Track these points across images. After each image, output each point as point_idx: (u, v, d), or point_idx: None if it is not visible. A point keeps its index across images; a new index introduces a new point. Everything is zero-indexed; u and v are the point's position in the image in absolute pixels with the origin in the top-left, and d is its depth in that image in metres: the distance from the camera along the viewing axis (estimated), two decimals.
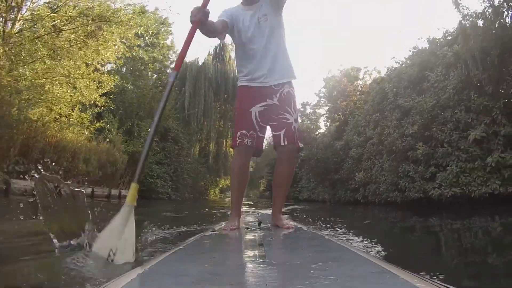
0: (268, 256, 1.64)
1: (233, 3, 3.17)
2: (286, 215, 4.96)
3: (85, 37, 12.32)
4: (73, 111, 13.03)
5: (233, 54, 37.42)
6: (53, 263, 2.26)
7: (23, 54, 11.40)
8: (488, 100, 10.30)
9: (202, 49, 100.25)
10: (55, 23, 11.96)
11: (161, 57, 29.66)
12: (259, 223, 3.27)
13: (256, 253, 1.73)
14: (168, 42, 31.38)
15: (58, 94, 11.89)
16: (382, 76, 21.11)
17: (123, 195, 14.49)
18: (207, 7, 2.65)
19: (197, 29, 2.65)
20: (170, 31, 30.90)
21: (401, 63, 16.49)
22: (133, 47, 15.72)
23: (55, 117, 12.07)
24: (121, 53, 14.16)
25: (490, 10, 9.92)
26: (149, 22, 16.01)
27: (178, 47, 32.63)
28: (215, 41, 38.07)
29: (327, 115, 33.80)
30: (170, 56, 31.57)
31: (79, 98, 12.75)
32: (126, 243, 2.07)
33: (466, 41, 10.48)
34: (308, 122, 36.34)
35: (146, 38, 24.51)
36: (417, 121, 12.28)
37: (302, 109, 36.20)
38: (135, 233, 2.15)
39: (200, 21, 2.59)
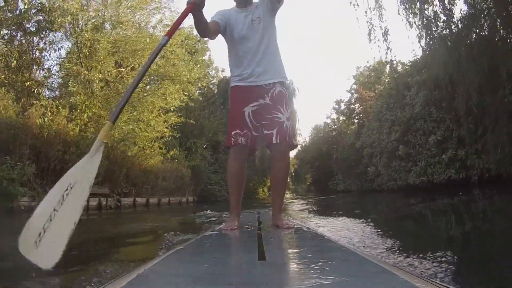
0: (268, 256, 1.64)
1: (227, 2, 3.24)
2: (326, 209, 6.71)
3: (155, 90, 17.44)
4: (153, 145, 17.98)
5: None
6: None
7: (113, 107, 15.16)
8: (443, 113, 14.69)
9: None
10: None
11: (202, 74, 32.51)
12: (259, 223, 3.24)
13: (256, 253, 1.69)
14: (206, 58, 32.91)
15: (140, 134, 17.01)
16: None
17: (189, 201, 20.07)
18: None
19: (191, 13, 2.60)
20: (207, 47, 31.87)
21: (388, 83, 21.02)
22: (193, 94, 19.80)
23: (140, 150, 16.94)
24: (184, 101, 18.62)
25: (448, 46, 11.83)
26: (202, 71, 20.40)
27: (217, 63, 36.23)
28: None
29: (358, 110, 35.99)
30: (210, 72, 34.12)
31: (153, 134, 17.83)
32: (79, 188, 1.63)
33: (428, 69, 13.77)
34: (344, 118, 39.20)
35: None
36: (398, 130, 17.33)
37: (337, 106, 39.64)
38: (95, 171, 1.73)
39: (195, 4, 2.55)
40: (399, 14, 12.26)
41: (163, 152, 18.97)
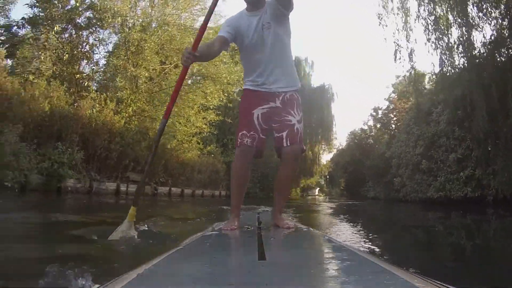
0: (268, 256, 1.64)
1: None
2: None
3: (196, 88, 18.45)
4: (191, 140, 19.03)
5: (308, 69, 40.70)
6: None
7: (156, 102, 16.84)
8: (464, 132, 14.97)
9: None
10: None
11: (241, 76, 33.91)
12: (259, 223, 3.18)
13: (256, 253, 1.69)
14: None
15: (180, 128, 18.07)
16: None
17: (222, 195, 21.03)
18: (198, 48, 2.81)
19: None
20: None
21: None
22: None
23: (179, 144, 18.02)
24: (223, 101, 19.43)
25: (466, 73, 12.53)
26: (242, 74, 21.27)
27: None
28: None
29: (395, 118, 35.71)
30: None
31: (192, 129, 18.86)
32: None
33: (450, 91, 14.13)
34: (379, 125, 39.14)
35: None
36: (423, 144, 17.60)
37: (374, 113, 39.77)
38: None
39: (189, 62, 2.77)
40: (428, 40, 12.71)
41: (200, 147, 19.94)
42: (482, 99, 11.59)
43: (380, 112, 39.22)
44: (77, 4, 15.51)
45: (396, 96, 35.73)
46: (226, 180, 21.81)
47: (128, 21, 15.41)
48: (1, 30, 17.34)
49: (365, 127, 42.04)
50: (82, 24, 15.91)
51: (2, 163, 8.52)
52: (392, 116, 34.80)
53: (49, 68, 13.10)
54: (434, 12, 12.57)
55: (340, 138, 66.12)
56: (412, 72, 14.09)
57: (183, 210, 9.88)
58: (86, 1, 15.86)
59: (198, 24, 18.03)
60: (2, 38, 17.07)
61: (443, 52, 12.65)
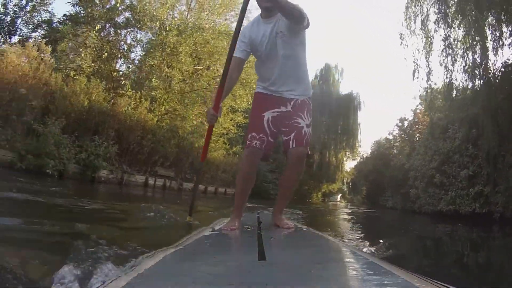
0: (268, 256, 1.65)
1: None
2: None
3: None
4: (218, 140, 19.70)
5: (337, 76, 41.60)
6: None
7: (187, 101, 17.48)
8: (477, 150, 15.31)
9: (309, 71, 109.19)
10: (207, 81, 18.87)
11: None
12: (259, 223, 3.23)
13: (256, 253, 1.71)
14: None
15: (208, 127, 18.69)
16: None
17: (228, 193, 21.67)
18: (220, 105, 2.98)
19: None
20: None
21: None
22: None
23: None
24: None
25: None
26: None
27: None
28: (321, 65, 42.45)
29: (418, 131, 35.35)
30: None
31: (220, 130, 19.54)
32: None
33: (465, 110, 14.85)
34: (405, 136, 39.32)
35: None
36: (437, 159, 17.88)
37: (400, 124, 39.81)
38: None
39: (214, 121, 3.06)
40: (441, 64, 13.18)
41: (226, 148, 20.60)
42: (491, 122, 12.05)
43: (406, 123, 39.17)
44: (117, 5, 16.37)
45: (422, 108, 35.81)
46: None
47: (165, 24, 16.15)
48: (44, 24, 18.41)
49: (390, 137, 41.98)
50: (121, 24, 16.74)
51: (44, 152, 9.35)
52: (415, 128, 34.83)
53: (90, 66, 13.95)
54: (449, 36, 13.02)
55: (365, 146, 66.14)
56: (429, 91, 14.55)
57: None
58: (126, 1, 16.69)
59: (231, 28, 18.77)
60: (43, 32, 18.09)
61: (462, 70, 13.13)
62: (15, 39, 17.07)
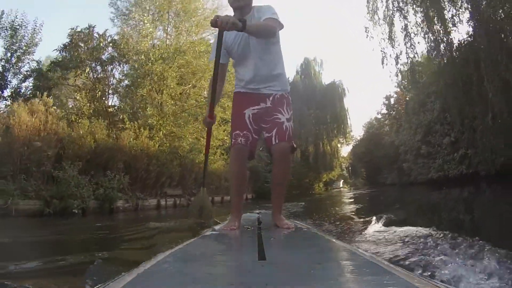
0: (268, 256, 1.66)
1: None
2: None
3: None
4: (215, 152, 20.83)
5: (317, 68, 42.65)
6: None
7: (180, 122, 18.67)
8: (454, 119, 16.55)
9: (289, 69, 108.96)
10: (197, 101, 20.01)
11: None
12: (259, 223, 3.26)
13: (256, 253, 1.72)
14: None
15: (204, 142, 19.81)
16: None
17: (248, 198, 22.77)
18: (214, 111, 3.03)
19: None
20: None
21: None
22: None
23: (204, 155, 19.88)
24: None
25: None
26: None
27: None
28: (301, 59, 43.85)
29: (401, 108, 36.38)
30: None
31: (216, 142, 20.59)
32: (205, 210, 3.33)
33: (438, 83, 16.09)
34: (393, 112, 39.69)
35: None
36: (420, 132, 19.19)
37: (386, 102, 40.80)
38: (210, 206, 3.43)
39: (211, 122, 3.13)
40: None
41: (224, 158, 21.69)
42: (458, 91, 13.27)
43: (392, 100, 40.16)
44: (100, 44, 17.42)
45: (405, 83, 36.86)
46: (251, 184, 23.74)
47: (149, 54, 17.22)
48: (34, 73, 19.24)
49: (379, 116, 43.04)
50: (107, 60, 17.75)
51: (67, 194, 10.38)
52: (400, 104, 35.92)
53: (90, 108, 15.03)
54: (409, 22, 14.27)
55: (359, 129, 67.11)
56: (399, 74, 15.74)
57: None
58: (108, 39, 17.74)
59: (210, 43, 19.96)
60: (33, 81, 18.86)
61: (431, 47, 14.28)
62: (7, 92, 17.42)
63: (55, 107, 12.81)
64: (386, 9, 14.66)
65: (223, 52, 2.87)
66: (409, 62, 15.16)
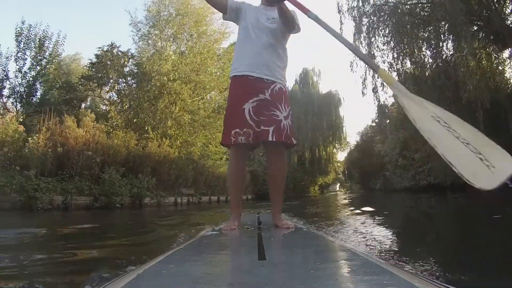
0: (268, 256, 1.66)
1: None
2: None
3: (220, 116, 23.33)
4: (222, 157, 23.89)
5: (315, 78, 45.34)
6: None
7: (192, 131, 22.07)
8: (424, 138, 19.68)
9: (288, 78, 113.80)
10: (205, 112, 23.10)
11: None
12: (259, 223, 3.22)
13: (256, 253, 1.72)
14: None
15: (213, 150, 23.00)
16: None
17: (249, 199, 25.75)
18: None
19: None
20: None
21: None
22: None
23: (213, 162, 22.97)
24: None
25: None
26: None
27: None
28: (300, 69, 46.58)
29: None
30: None
31: (222, 149, 23.61)
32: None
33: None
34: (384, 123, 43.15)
35: None
36: (398, 147, 22.34)
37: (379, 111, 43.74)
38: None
39: None
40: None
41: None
42: None
43: (387, 110, 42.88)
44: (125, 63, 20.49)
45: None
46: (251, 186, 26.96)
47: (169, 75, 20.28)
48: (65, 85, 22.06)
49: (374, 124, 45.64)
50: (131, 78, 20.84)
51: (110, 192, 13.32)
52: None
53: (121, 120, 18.10)
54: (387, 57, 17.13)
55: (355, 135, 69.97)
56: (377, 103, 18.72)
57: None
58: (129, 56, 20.82)
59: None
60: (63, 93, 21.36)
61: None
62: (35, 99, 19.72)
63: (100, 122, 15.76)
64: (366, 47, 17.47)
65: (233, 12, 3.10)
66: (375, 100, 18.29)
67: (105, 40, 55.53)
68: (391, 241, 4.18)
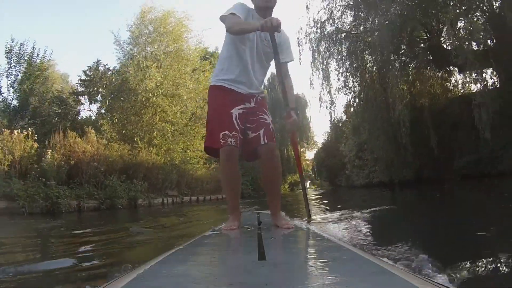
0: (268, 256, 1.67)
1: None
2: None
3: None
4: (199, 161, 26.83)
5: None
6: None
7: (172, 138, 24.90)
8: (374, 143, 22.83)
9: None
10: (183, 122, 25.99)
11: None
12: (259, 223, 3.24)
13: (256, 253, 1.72)
14: None
15: (191, 155, 25.93)
16: None
17: (224, 197, 28.68)
18: None
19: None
20: None
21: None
22: None
23: (193, 166, 25.84)
24: None
25: None
26: None
27: None
28: (268, 74, 49.99)
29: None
30: None
31: (199, 154, 26.52)
32: None
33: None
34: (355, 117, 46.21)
35: None
36: (355, 149, 25.65)
37: (345, 109, 47.04)
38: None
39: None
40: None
41: (206, 167, 27.63)
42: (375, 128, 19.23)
43: (352, 109, 46.09)
44: (112, 80, 23.19)
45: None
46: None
47: (154, 92, 23.12)
48: (56, 100, 24.37)
49: (340, 125, 48.92)
50: (118, 94, 23.48)
51: (114, 196, 16.05)
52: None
53: (116, 133, 20.88)
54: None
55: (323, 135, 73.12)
56: (333, 115, 21.87)
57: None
58: (119, 77, 23.51)
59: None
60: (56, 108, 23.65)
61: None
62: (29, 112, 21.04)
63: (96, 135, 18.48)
64: (326, 68, 20.25)
65: (244, 13, 3.02)
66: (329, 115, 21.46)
67: (88, 57, 58.26)
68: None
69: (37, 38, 68.03)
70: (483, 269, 2.47)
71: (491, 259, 2.67)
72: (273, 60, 3.20)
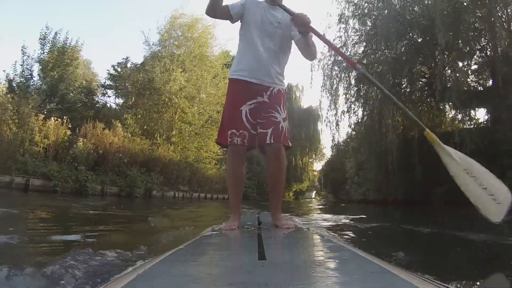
0: (268, 256, 1.66)
1: None
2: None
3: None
4: (210, 162, 28.63)
5: (298, 93, 50.16)
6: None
7: (186, 136, 26.61)
8: (373, 163, 24.35)
9: None
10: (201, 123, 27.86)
11: None
12: (259, 223, 3.22)
13: (256, 253, 1.72)
14: None
15: (204, 155, 27.80)
16: None
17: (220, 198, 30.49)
18: None
19: None
20: None
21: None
22: None
23: (204, 166, 27.69)
24: None
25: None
26: None
27: None
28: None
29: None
30: None
31: (212, 155, 28.39)
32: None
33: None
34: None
35: None
36: (355, 167, 27.27)
37: (352, 126, 48.84)
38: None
39: None
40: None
41: (216, 167, 29.33)
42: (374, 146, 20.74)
43: (354, 132, 47.49)
44: (139, 78, 25.08)
45: None
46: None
47: (177, 94, 25.06)
48: (84, 90, 26.12)
49: (342, 144, 50.09)
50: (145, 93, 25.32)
51: (132, 185, 17.89)
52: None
53: (140, 128, 22.82)
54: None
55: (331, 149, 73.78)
56: (337, 134, 23.48)
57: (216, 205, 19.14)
58: (146, 76, 25.29)
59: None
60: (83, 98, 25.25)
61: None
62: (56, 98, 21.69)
63: (126, 130, 20.41)
64: (335, 92, 21.87)
65: (237, 11, 3.07)
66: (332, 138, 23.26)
67: (111, 48, 60.35)
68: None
69: (65, 21, 70.23)
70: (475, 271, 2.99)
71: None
72: (288, 50, 3.22)
